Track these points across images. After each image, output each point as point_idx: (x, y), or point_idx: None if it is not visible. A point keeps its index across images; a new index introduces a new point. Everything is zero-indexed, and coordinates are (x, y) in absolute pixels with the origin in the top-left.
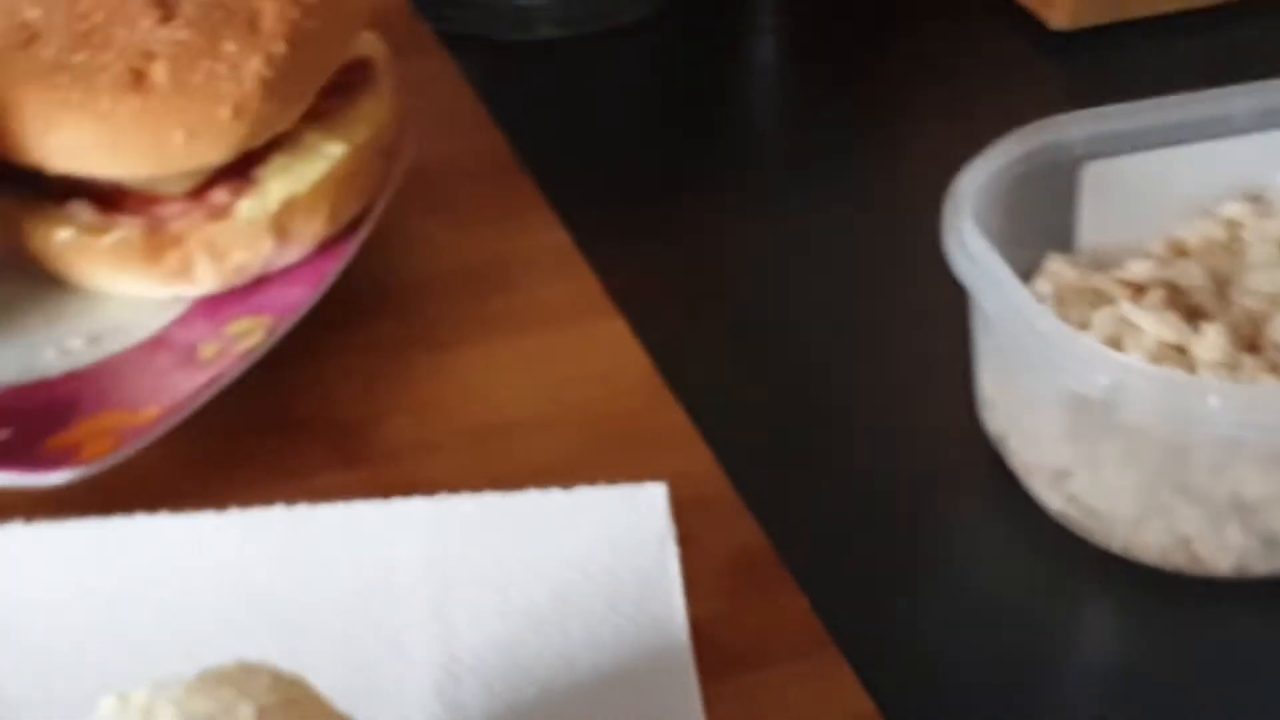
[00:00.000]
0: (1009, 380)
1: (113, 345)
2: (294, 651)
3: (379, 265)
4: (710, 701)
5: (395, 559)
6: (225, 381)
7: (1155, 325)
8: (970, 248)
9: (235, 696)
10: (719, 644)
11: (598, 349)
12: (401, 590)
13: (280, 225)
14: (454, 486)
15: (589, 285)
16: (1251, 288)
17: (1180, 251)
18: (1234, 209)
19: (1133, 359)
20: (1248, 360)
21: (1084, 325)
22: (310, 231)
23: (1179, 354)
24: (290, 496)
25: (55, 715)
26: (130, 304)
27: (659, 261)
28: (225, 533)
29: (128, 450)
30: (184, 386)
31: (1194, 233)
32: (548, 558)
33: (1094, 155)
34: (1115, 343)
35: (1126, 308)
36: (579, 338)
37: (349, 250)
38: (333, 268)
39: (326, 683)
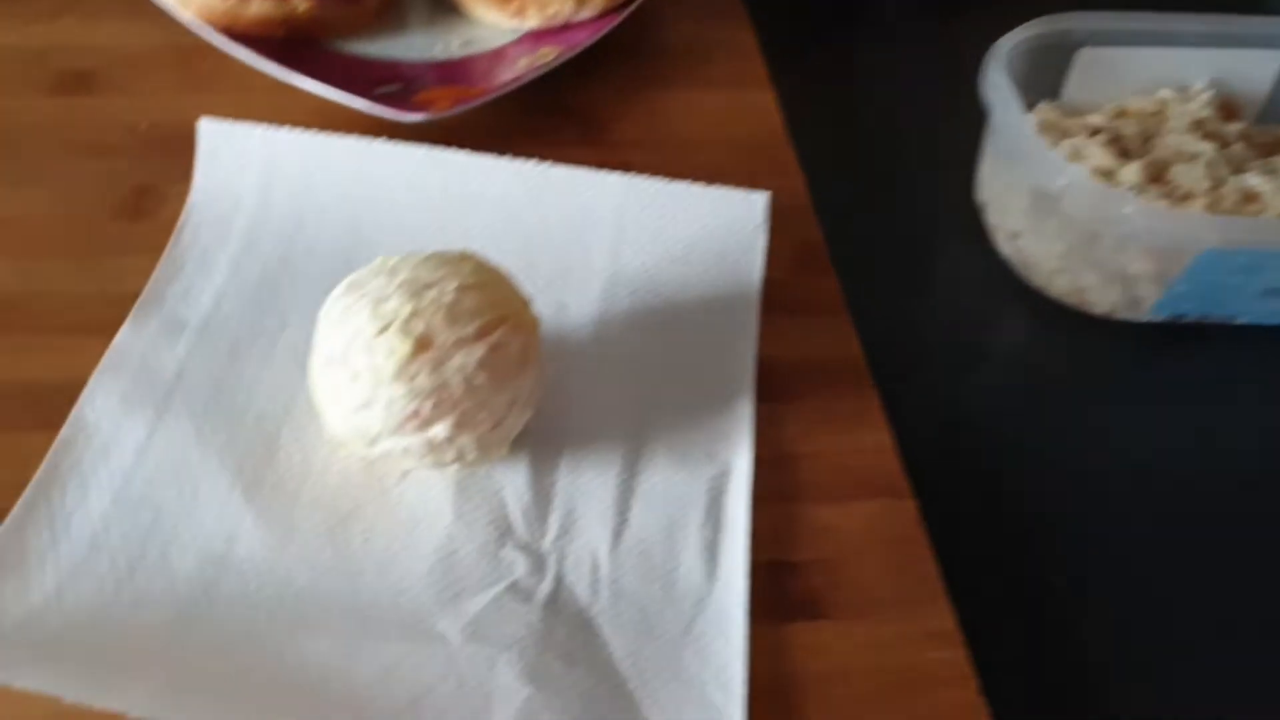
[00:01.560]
0: (999, 169)
1: (474, 49)
2: (522, 248)
3: (633, 35)
4: (763, 324)
5: (596, 205)
6: (528, 79)
7: (1097, 155)
8: (995, 83)
9: (449, 273)
10: (774, 300)
11: (752, 109)
12: (595, 225)
13: None
14: (648, 171)
15: (757, 66)
16: (1166, 144)
17: (1123, 113)
18: (1165, 93)
19: (1081, 170)
20: (1152, 188)
21: (1053, 146)
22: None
23: (1109, 175)
24: (545, 157)
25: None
26: (491, 27)
27: (814, 68)
28: (498, 169)
29: (460, 109)
30: (504, 78)
31: (1134, 105)
32: (687, 223)
33: (1086, 43)
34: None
35: (1080, 141)
36: (742, 99)
37: (619, 19)
38: (608, 26)
39: (541, 272)
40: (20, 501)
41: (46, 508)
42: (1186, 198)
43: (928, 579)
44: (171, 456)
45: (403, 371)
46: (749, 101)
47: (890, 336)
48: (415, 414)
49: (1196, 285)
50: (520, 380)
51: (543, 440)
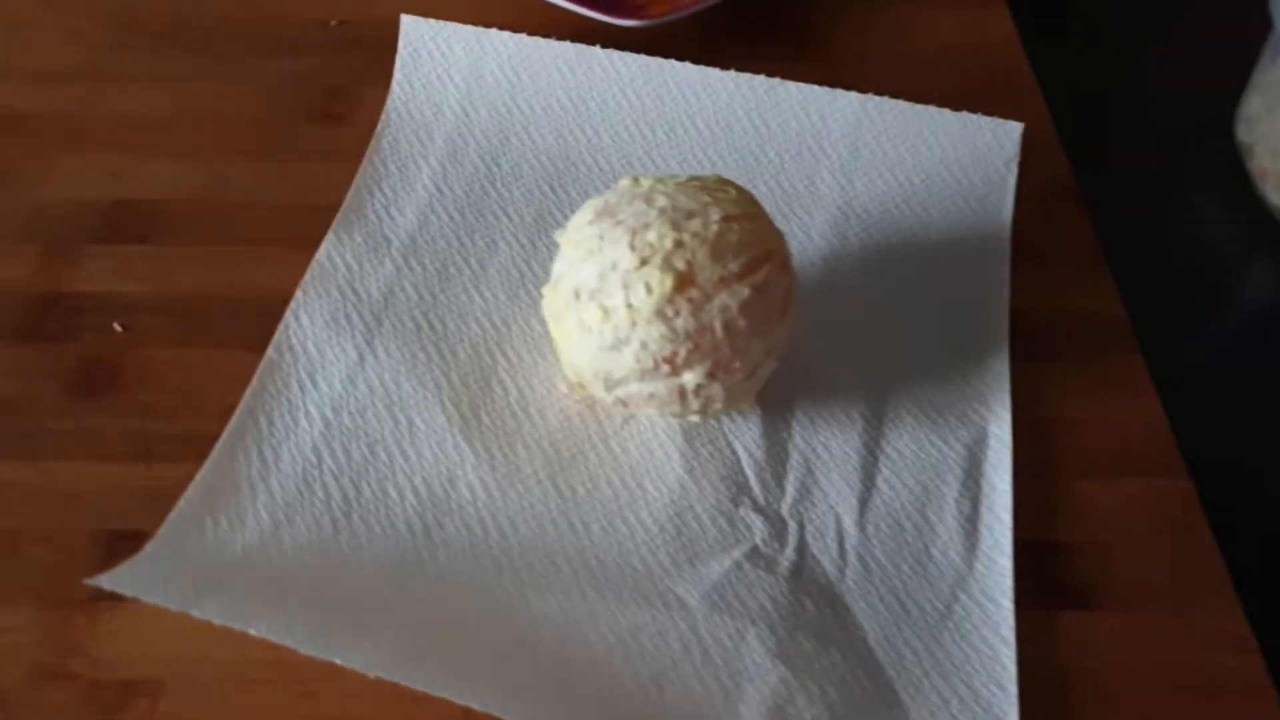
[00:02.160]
0: (1275, 99)
1: None
2: (744, 174)
3: None
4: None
5: (826, 127)
6: None
7: None
8: None
9: (710, 201)
10: (1023, 244)
11: (982, 23)
12: (825, 150)
13: None
14: (877, 89)
15: None
16: None
17: None
18: None
19: None
20: None
21: None
22: None
23: None
24: (765, 72)
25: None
26: None
27: None
28: (722, 83)
29: (677, 15)
30: None
31: None
32: (929, 152)
33: None
34: None
35: None
36: (967, 12)
37: None
38: None
39: (765, 201)
40: (228, 429)
41: (255, 435)
42: None
43: (1212, 571)
44: (384, 385)
45: (662, 311)
46: (976, 15)
47: (1141, 296)
48: (671, 358)
49: None
50: (780, 326)
51: (775, 392)
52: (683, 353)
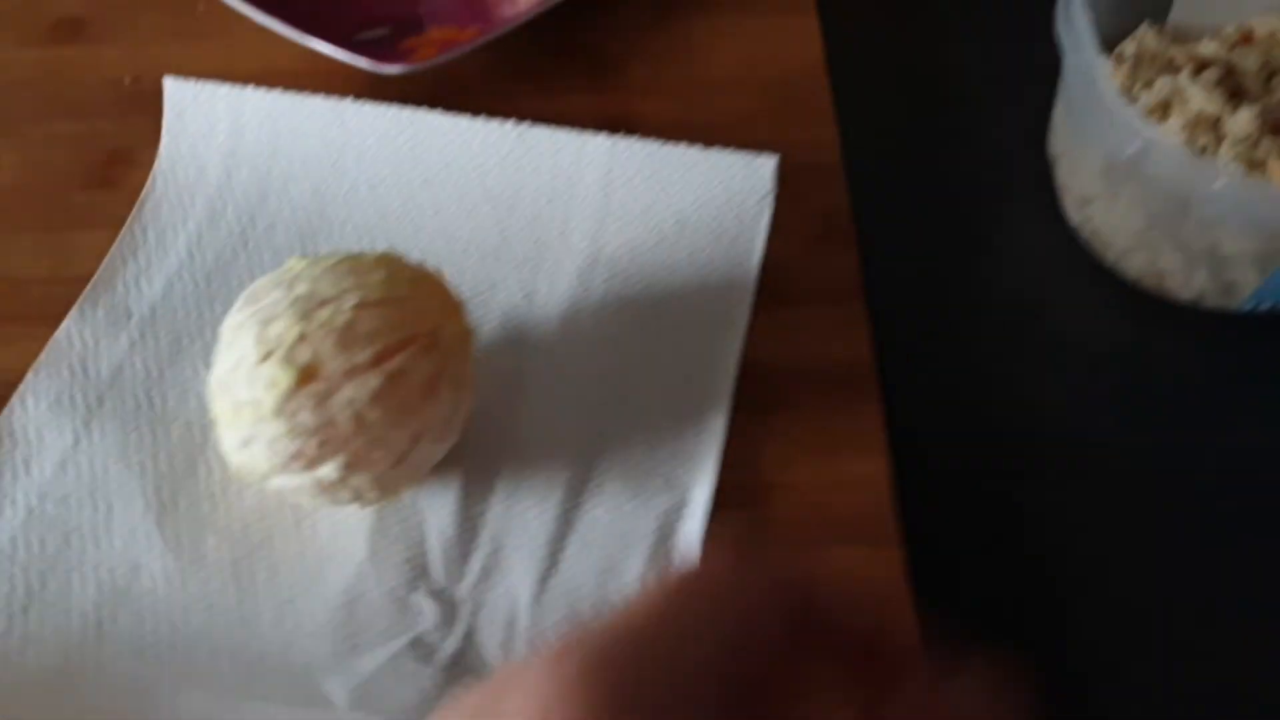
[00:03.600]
0: (1071, 120)
1: None
2: (496, 223)
3: None
4: (757, 316)
5: (579, 173)
6: (524, 19)
7: (1201, 97)
8: (1073, 17)
9: (351, 287)
10: (779, 286)
11: (790, 39)
12: (578, 196)
13: None
14: (662, 119)
15: None
16: None
17: (1246, 38)
18: None
19: (1168, 127)
20: (1268, 140)
21: (1148, 85)
22: None
23: (1214, 124)
24: (545, 107)
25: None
26: None
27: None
28: (472, 132)
29: (441, 59)
30: (504, 15)
31: (1263, 26)
32: (681, 193)
33: None
34: (1165, 107)
35: (1183, 78)
36: (780, 26)
37: None
38: None
39: (515, 251)
40: None
41: None
42: None
43: (907, 654)
44: (92, 471)
45: (283, 407)
46: (788, 29)
47: (922, 319)
48: (300, 453)
49: None
50: (426, 411)
51: (482, 458)
52: (311, 448)
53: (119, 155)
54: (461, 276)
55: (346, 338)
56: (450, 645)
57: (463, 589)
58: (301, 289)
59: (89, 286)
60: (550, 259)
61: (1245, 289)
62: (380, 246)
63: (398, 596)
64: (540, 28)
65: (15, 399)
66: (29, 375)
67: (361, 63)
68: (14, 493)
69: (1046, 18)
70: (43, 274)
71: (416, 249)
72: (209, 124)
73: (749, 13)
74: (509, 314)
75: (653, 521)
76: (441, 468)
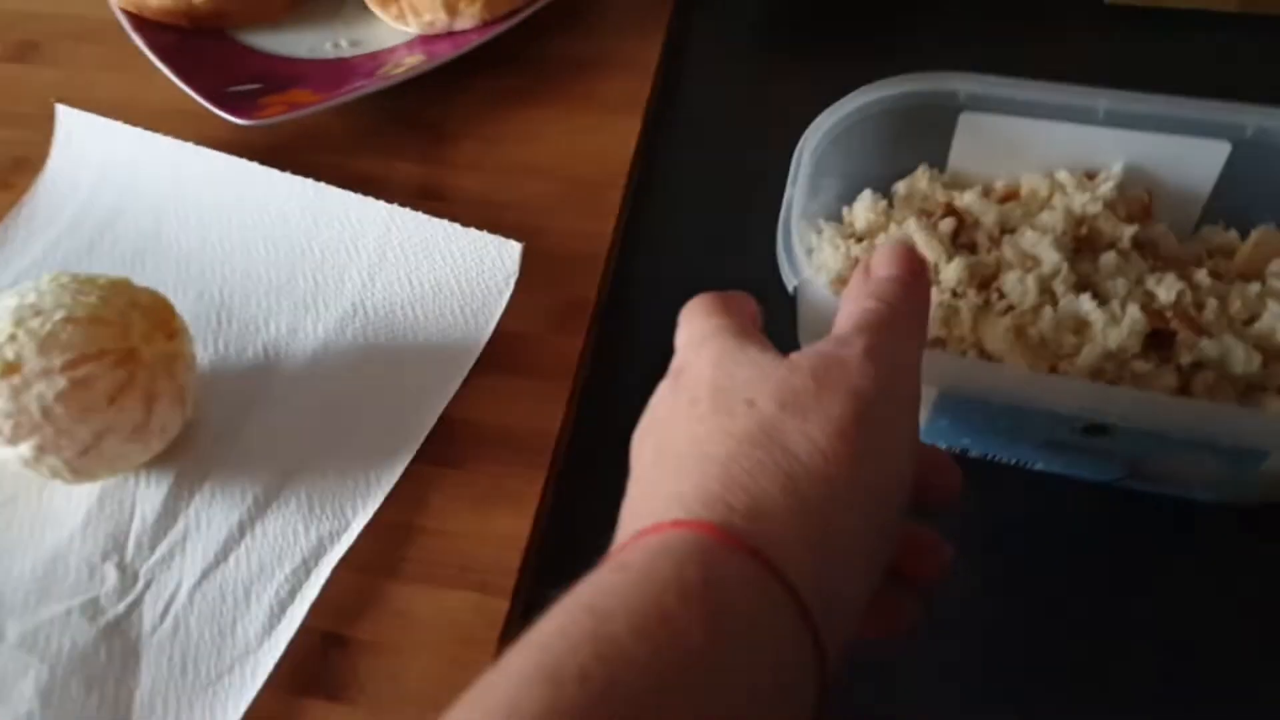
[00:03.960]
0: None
1: (360, 50)
2: (288, 264)
3: (522, 46)
4: (476, 380)
5: (362, 232)
6: (359, 93)
7: (922, 244)
8: (806, 148)
9: (70, 304)
10: (506, 358)
11: (609, 137)
12: (358, 252)
13: (450, 5)
14: (469, 194)
15: (642, 87)
16: (1021, 241)
17: (1012, 194)
18: (1063, 175)
19: (818, 270)
20: (971, 293)
21: (900, 223)
22: (470, 14)
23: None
24: (376, 172)
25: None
26: (386, 29)
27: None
28: (278, 185)
29: (281, 119)
30: (355, 83)
31: (1028, 183)
32: (441, 264)
33: (969, 107)
34: None
35: (911, 225)
36: (606, 125)
37: (498, 29)
38: (486, 36)
39: (297, 290)
40: None
41: None
42: (1006, 312)
43: None
44: None
45: None
46: (610, 128)
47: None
48: (4, 432)
49: (960, 425)
50: (111, 415)
51: (201, 461)
52: (8, 429)
53: (22, 163)
54: (245, 306)
55: (47, 344)
56: (116, 611)
57: (145, 568)
58: (30, 299)
59: None
60: (321, 302)
61: None
62: (193, 272)
63: (91, 562)
64: (389, 98)
65: None
66: None
67: (216, 110)
68: None
69: None
70: None
71: (215, 278)
72: (87, 148)
73: (581, 108)
74: (271, 344)
75: (313, 539)
76: (161, 462)
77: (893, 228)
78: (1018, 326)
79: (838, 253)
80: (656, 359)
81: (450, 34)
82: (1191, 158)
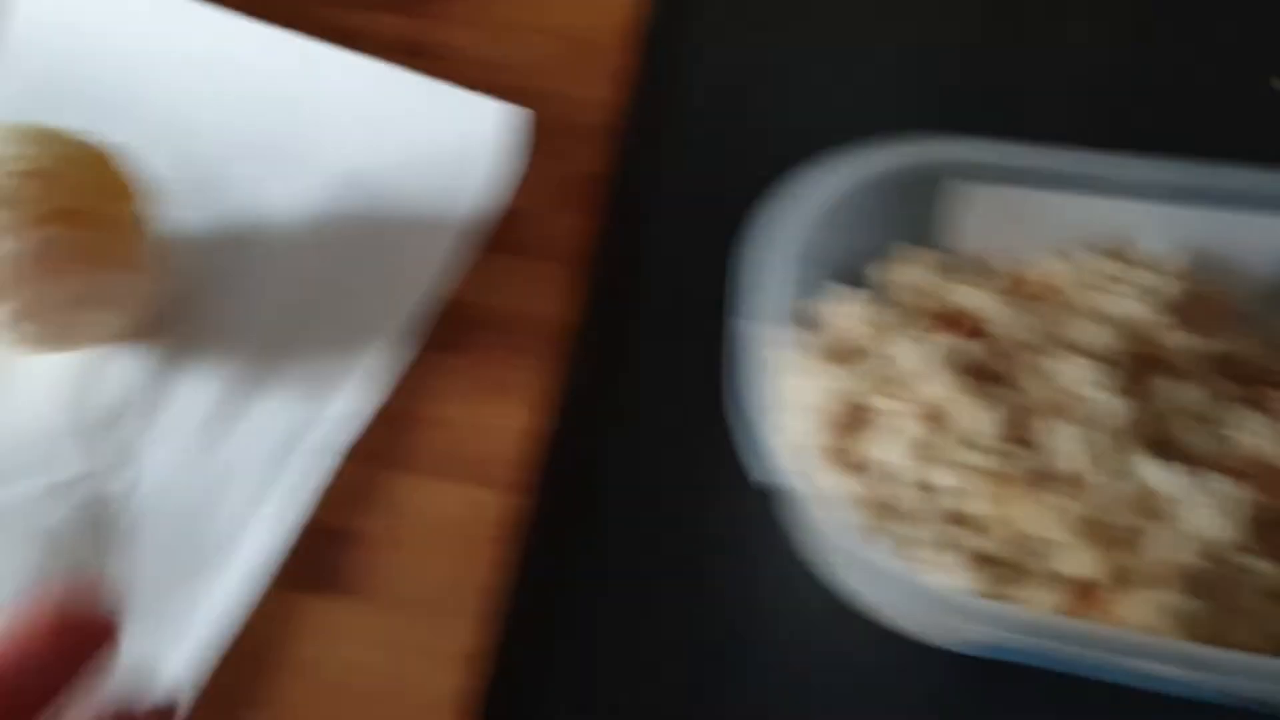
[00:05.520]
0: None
1: None
2: (255, 123)
3: None
4: (473, 259)
5: (343, 91)
6: None
7: (930, 374)
8: (760, 245)
9: (27, 155)
10: (507, 236)
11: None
12: (337, 113)
13: None
14: (458, 52)
15: None
16: (1056, 376)
17: (1019, 283)
18: (1086, 257)
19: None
20: (1019, 450)
21: (890, 337)
22: None
23: (937, 424)
24: (352, 25)
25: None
26: None
27: None
28: (251, 36)
29: None
30: None
31: (1037, 271)
32: (433, 129)
33: (971, 178)
34: (890, 387)
35: (912, 348)
36: None
37: None
38: None
39: (266, 152)
40: None
41: None
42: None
43: (485, 591)
44: None
45: None
46: None
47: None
48: None
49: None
50: (78, 276)
51: (179, 338)
52: None
53: None
54: (221, 169)
55: (14, 198)
56: (85, 490)
57: (119, 441)
58: None
59: None
60: (304, 167)
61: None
62: (151, 126)
63: (63, 436)
64: None
65: None
66: None
67: None
68: None
69: None
70: None
71: (187, 137)
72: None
73: None
74: (250, 210)
75: (302, 423)
76: (137, 336)
77: (900, 345)
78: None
79: (814, 385)
80: (673, 242)
81: None
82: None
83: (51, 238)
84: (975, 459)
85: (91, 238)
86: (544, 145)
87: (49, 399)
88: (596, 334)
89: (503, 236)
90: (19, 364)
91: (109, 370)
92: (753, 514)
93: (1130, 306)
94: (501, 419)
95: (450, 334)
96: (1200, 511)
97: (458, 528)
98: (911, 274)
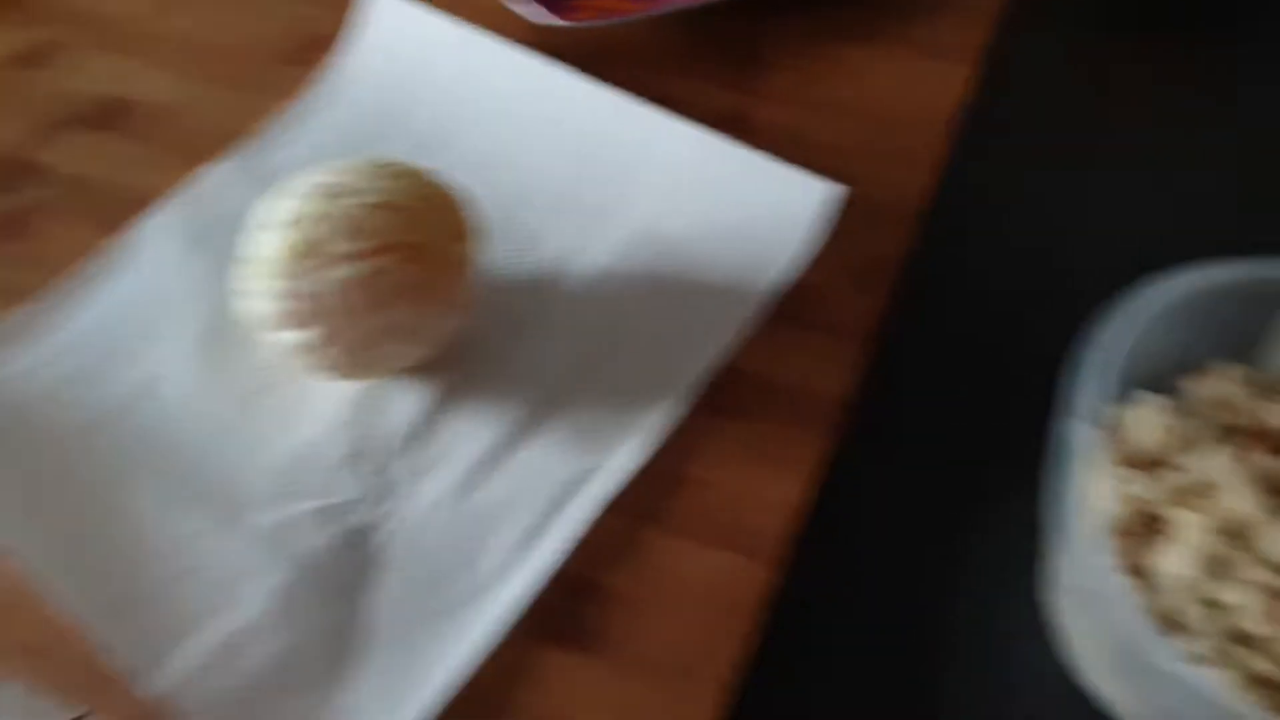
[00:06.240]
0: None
1: None
2: (575, 178)
3: None
4: (761, 328)
5: (662, 154)
6: (690, 5)
7: (1235, 493)
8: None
9: (381, 188)
10: (795, 310)
11: (936, 83)
12: (653, 174)
13: None
14: (773, 128)
15: (977, 35)
16: None
17: None
18: None
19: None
20: None
21: (1197, 448)
22: None
23: (1239, 540)
24: (681, 93)
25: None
26: None
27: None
28: (581, 93)
29: (594, 24)
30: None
31: None
32: (744, 198)
33: None
34: (1187, 498)
35: (1217, 461)
36: (932, 70)
37: None
38: None
39: (584, 208)
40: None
41: (66, 299)
42: None
43: (729, 663)
44: (168, 286)
45: (282, 269)
46: (935, 72)
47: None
48: (291, 313)
49: None
50: (398, 310)
51: (465, 377)
52: (288, 311)
53: (320, 40)
54: (529, 216)
55: (352, 227)
56: (360, 519)
57: (395, 476)
58: (333, 179)
59: (245, 139)
60: (611, 222)
61: None
62: (477, 172)
63: (344, 464)
64: (704, 19)
65: (144, 217)
66: (161, 202)
67: (522, 10)
68: (110, 288)
69: None
70: (236, 123)
71: (501, 182)
72: (390, 32)
73: (905, 48)
74: (552, 260)
75: (570, 474)
76: (425, 370)
77: (1203, 456)
78: None
79: (1110, 486)
80: (956, 330)
81: None
82: None
83: (382, 269)
84: (1271, 578)
85: (421, 273)
86: (847, 224)
87: (331, 424)
88: (871, 413)
89: (792, 308)
90: (309, 387)
91: (391, 400)
92: (1011, 610)
93: None
94: (769, 489)
95: (726, 399)
96: None
97: (709, 594)
98: (1219, 388)
